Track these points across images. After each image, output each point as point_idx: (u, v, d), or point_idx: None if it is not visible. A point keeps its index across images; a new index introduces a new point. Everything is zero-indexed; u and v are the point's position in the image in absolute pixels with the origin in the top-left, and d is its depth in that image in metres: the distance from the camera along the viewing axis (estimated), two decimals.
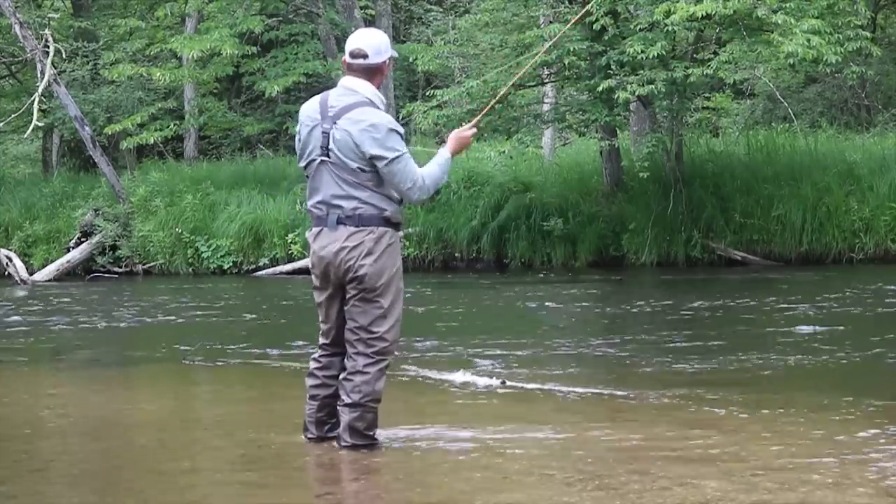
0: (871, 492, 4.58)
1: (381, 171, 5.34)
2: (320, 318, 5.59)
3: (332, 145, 5.37)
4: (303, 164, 5.52)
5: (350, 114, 5.36)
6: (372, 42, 5.48)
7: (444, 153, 5.58)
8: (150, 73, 21.51)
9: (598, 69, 15.87)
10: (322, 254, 5.42)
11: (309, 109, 5.51)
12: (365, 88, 5.45)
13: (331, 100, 5.45)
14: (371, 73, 5.48)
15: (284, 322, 12.21)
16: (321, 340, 5.61)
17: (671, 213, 16.50)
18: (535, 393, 7.21)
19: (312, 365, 5.61)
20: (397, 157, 5.33)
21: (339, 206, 5.39)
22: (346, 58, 5.51)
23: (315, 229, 5.48)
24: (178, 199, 19.92)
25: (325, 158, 5.40)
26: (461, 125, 17.14)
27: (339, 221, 5.38)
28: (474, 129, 5.80)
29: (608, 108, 15.93)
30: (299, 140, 5.54)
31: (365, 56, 5.45)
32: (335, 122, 5.37)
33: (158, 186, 20.42)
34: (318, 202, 5.44)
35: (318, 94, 5.68)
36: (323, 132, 5.40)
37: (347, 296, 5.44)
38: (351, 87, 5.46)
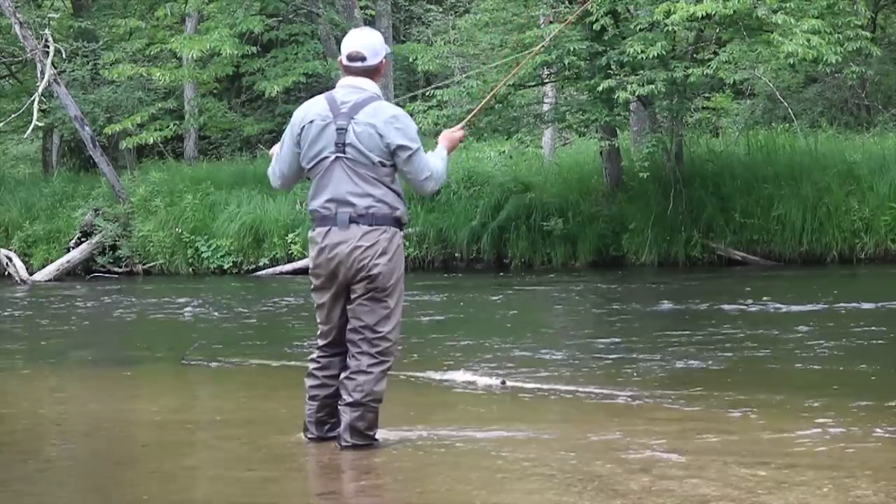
0: (871, 492, 4.58)
1: (403, 161, 5.38)
2: (320, 320, 5.58)
3: (350, 140, 5.37)
4: (309, 164, 5.48)
5: (368, 108, 5.40)
6: (369, 43, 5.51)
7: (441, 151, 5.63)
8: (150, 73, 21.51)
9: (598, 69, 15.88)
10: (333, 253, 5.39)
11: (317, 108, 5.49)
12: (371, 86, 5.50)
13: (339, 97, 5.46)
14: (370, 73, 5.52)
15: (284, 322, 12.20)
16: (320, 342, 5.59)
17: (671, 213, 16.49)
18: (535, 393, 7.21)
19: (311, 365, 5.61)
20: (418, 149, 5.42)
21: (352, 204, 5.37)
22: (344, 60, 5.53)
23: (320, 229, 5.44)
24: (178, 199, 19.91)
25: (341, 154, 5.39)
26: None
27: (352, 220, 5.37)
28: (464, 130, 5.87)
29: (608, 108, 15.93)
30: (301, 141, 5.48)
31: (363, 59, 5.49)
32: (353, 118, 5.39)
33: (158, 186, 20.41)
34: (327, 200, 5.41)
35: (315, 95, 5.69)
36: (338, 129, 5.39)
37: (353, 295, 5.43)
38: (357, 85, 5.49)
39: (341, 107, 5.43)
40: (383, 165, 5.39)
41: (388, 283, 5.41)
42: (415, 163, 5.41)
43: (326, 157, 5.42)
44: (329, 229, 5.42)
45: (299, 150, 5.51)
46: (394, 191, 5.44)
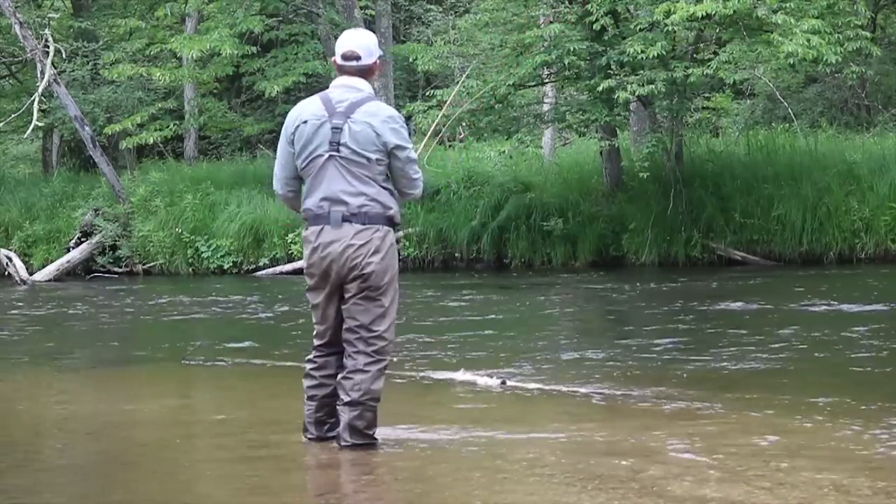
0: (871, 493, 4.58)
1: (400, 160, 5.43)
2: (316, 320, 5.59)
3: (344, 139, 5.39)
4: (303, 163, 5.49)
5: (365, 107, 5.43)
6: (364, 43, 5.55)
7: None
8: (150, 73, 21.52)
9: (598, 69, 15.88)
10: (326, 252, 5.41)
11: (312, 108, 5.50)
12: (366, 86, 5.54)
13: (334, 97, 5.48)
14: (365, 72, 5.55)
15: (284, 322, 12.20)
16: (316, 342, 5.60)
17: (671, 213, 16.50)
18: (535, 393, 7.21)
19: (308, 366, 5.62)
20: (411, 148, 5.49)
21: (345, 203, 5.38)
22: (338, 60, 5.55)
23: (314, 227, 5.46)
24: (178, 199, 19.92)
25: (335, 153, 5.41)
26: (461, 125, 16.99)
27: (345, 219, 5.38)
28: None
29: (608, 108, 15.93)
30: (295, 140, 5.49)
31: (358, 58, 5.52)
32: (349, 117, 5.41)
33: (158, 186, 20.42)
34: (321, 199, 5.42)
35: (313, 95, 5.69)
36: (333, 128, 5.41)
37: (347, 294, 5.44)
38: (352, 85, 5.51)
39: (337, 106, 5.45)
40: (379, 163, 5.41)
41: (382, 282, 5.42)
42: (410, 162, 5.48)
43: (320, 156, 5.43)
44: (322, 228, 5.43)
45: (293, 150, 5.52)
46: (387, 190, 5.46)
